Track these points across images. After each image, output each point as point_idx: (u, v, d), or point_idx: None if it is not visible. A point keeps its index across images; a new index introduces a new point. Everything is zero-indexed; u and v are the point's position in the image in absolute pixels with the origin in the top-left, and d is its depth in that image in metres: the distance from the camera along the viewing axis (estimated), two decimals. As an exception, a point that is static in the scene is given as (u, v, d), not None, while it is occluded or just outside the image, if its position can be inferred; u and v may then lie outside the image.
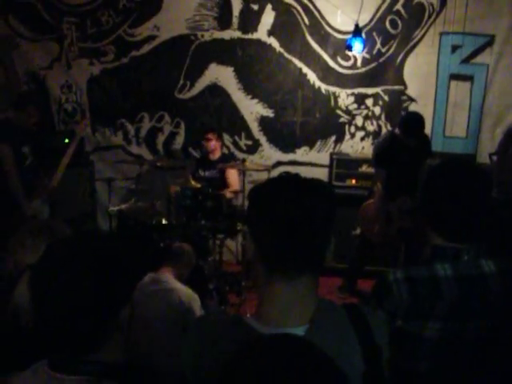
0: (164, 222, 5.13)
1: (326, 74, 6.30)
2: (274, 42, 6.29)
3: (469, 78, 6.10)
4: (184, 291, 3.30)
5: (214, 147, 6.05)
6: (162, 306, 3.13)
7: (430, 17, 6.01)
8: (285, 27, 6.25)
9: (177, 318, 3.16)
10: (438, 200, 1.81)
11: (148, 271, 3.38)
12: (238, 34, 6.33)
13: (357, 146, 6.41)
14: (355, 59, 6.21)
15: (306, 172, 5.24)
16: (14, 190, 4.73)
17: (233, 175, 5.96)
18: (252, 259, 1.39)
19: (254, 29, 6.29)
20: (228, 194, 5.64)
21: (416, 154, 4.89)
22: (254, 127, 6.54)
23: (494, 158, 3.10)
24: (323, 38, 6.22)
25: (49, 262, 1.29)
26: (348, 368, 1.01)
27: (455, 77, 6.12)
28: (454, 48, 6.02)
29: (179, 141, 6.73)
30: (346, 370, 0.97)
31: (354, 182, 6.04)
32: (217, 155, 6.11)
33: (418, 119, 4.85)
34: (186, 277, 3.61)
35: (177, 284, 3.36)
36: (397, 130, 4.91)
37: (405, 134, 4.81)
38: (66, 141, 5.82)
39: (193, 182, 5.30)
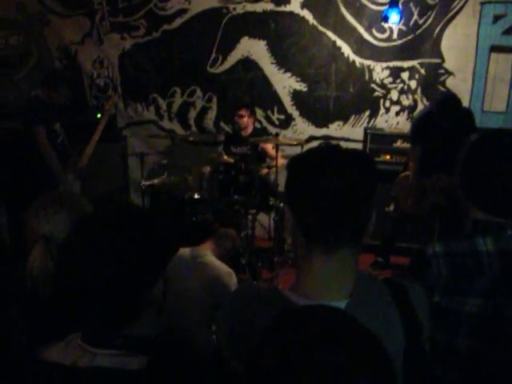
0: (196, 196, 5.13)
1: (361, 46, 6.16)
2: (307, 14, 6.15)
3: (511, 50, 5.87)
4: (221, 267, 3.28)
5: (247, 124, 5.97)
6: (198, 279, 3.11)
7: (471, -15, 5.80)
8: (318, -1, 6.12)
9: (212, 293, 3.15)
10: (480, 172, 1.75)
11: (181, 246, 3.36)
12: (270, 7, 6.22)
13: (391, 120, 6.27)
14: (391, 31, 6.04)
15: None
16: (53, 169, 4.83)
17: (270, 148, 5.86)
18: (290, 231, 1.36)
19: (287, 1, 6.16)
20: (263, 170, 5.61)
21: (453, 133, 4.80)
22: (287, 101, 6.45)
23: None
24: (358, 10, 6.05)
25: (81, 234, 1.28)
26: (389, 344, 0.96)
27: (496, 49, 5.88)
28: (496, 18, 5.76)
29: (211, 115, 6.70)
30: (386, 345, 0.93)
31: (388, 157, 5.93)
32: (249, 131, 6.03)
33: (451, 103, 4.78)
34: (224, 260, 3.59)
35: (214, 260, 3.34)
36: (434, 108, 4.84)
37: (439, 117, 4.76)
38: (99, 116, 5.84)
39: (225, 157, 5.27)
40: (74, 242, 1.27)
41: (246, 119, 5.91)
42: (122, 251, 1.22)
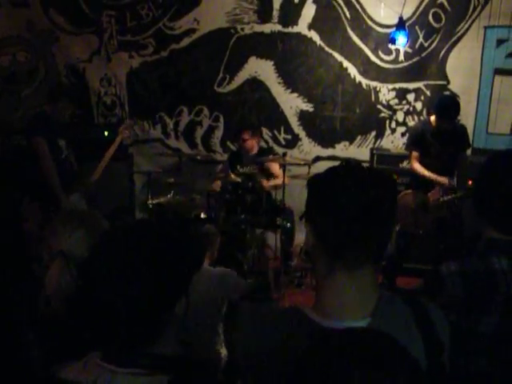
0: (203, 215, 5.12)
1: (367, 68, 6.22)
2: (314, 35, 6.22)
3: (514, 73, 5.93)
4: (213, 269, 3.36)
5: (251, 145, 5.82)
6: (202, 286, 3.10)
7: (474, 10, 5.86)
8: (326, 21, 6.17)
9: (217, 293, 3.15)
10: (494, 192, 1.77)
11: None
12: (278, 28, 6.28)
13: (397, 141, 6.31)
14: (397, 53, 6.11)
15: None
16: (51, 183, 4.71)
17: (276, 168, 5.77)
18: (310, 250, 1.35)
19: (295, 22, 6.22)
20: (266, 183, 5.50)
21: (450, 143, 4.90)
22: (294, 122, 6.49)
23: None
24: (364, 32, 6.13)
25: (102, 253, 1.27)
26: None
27: (500, 72, 5.96)
28: (500, 42, 5.87)
29: (218, 135, 6.71)
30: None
31: (394, 178, 5.93)
32: (254, 151, 5.89)
33: (452, 101, 4.93)
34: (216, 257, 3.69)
35: (209, 268, 3.41)
36: (432, 118, 4.93)
37: (439, 116, 4.83)
38: (106, 134, 5.83)
39: (233, 176, 5.27)
40: (95, 260, 1.26)
41: (249, 141, 5.78)
42: (144, 270, 1.21)
